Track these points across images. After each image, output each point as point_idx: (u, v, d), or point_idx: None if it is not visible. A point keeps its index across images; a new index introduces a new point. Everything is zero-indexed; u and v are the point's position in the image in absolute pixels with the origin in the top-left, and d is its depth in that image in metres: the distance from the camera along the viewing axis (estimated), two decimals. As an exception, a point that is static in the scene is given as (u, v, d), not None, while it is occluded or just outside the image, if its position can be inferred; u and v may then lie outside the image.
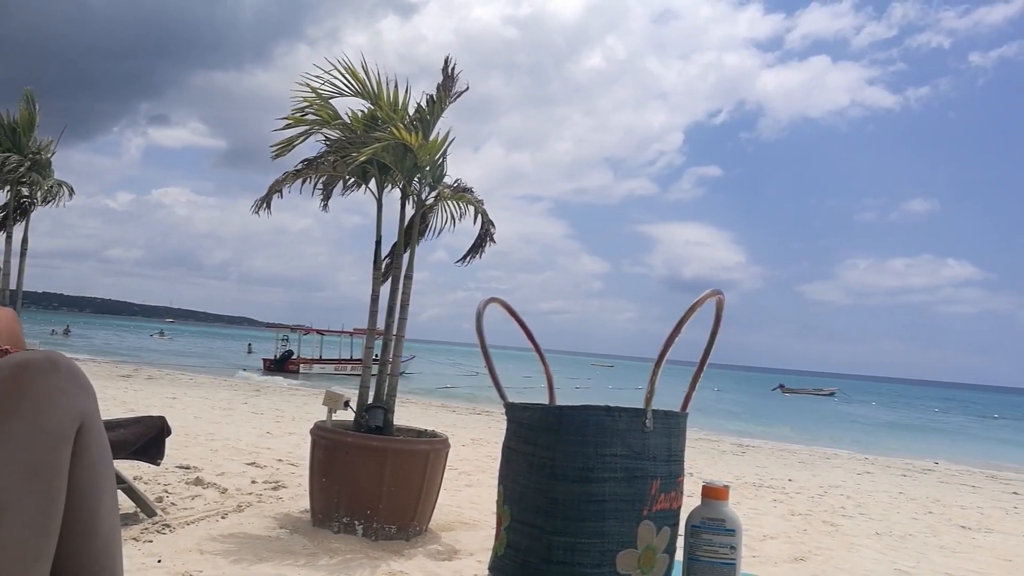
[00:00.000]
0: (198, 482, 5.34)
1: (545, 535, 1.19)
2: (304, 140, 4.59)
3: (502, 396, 1.39)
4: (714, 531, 1.31)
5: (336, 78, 4.67)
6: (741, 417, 27.84)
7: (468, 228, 5.21)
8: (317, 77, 4.64)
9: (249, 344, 52.63)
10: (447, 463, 4.68)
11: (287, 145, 4.52)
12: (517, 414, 1.30)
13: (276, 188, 4.89)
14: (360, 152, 4.12)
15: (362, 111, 4.69)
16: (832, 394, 59.49)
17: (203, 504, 4.75)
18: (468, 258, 5.10)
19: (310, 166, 4.77)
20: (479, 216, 4.96)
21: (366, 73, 4.70)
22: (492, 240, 4.99)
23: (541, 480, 1.21)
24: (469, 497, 5.97)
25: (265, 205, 4.93)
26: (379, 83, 4.76)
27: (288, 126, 4.70)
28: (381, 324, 4.76)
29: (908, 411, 46.87)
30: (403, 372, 34.80)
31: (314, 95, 4.59)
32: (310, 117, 4.67)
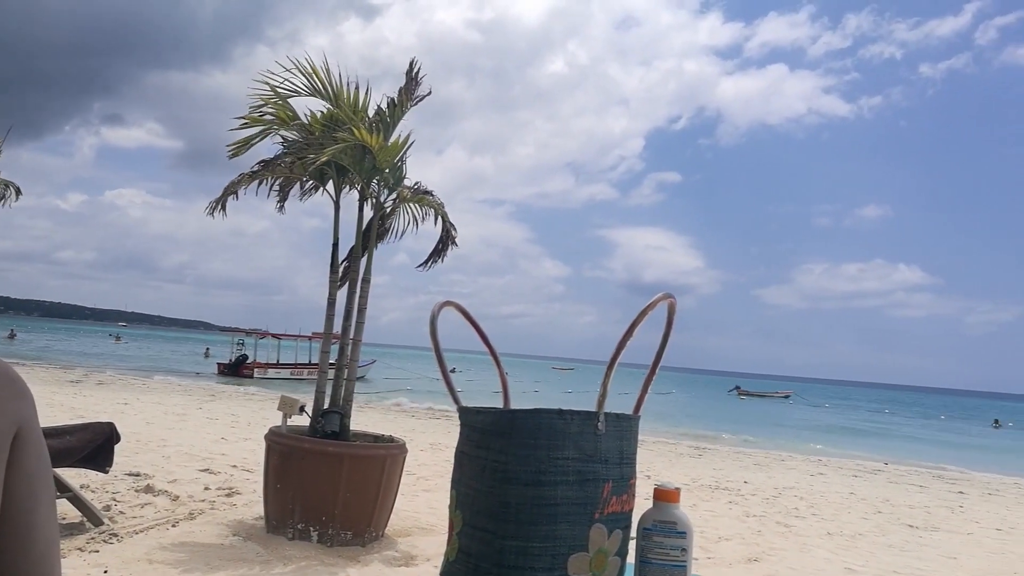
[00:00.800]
0: (148, 490, 5.22)
1: (497, 539, 1.18)
2: (262, 140, 4.53)
3: (455, 400, 1.37)
4: (666, 534, 1.32)
5: (295, 77, 4.62)
6: (698, 420, 28.16)
7: (430, 231, 5.19)
8: (276, 76, 4.58)
9: (207, 348, 51.69)
10: (404, 468, 4.65)
11: (244, 144, 4.45)
12: (470, 418, 1.29)
13: (231, 190, 4.81)
14: (322, 152, 4.07)
15: (321, 112, 4.64)
16: (787, 397, 60.55)
17: (153, 512, 4.64)
18: (430, 262, 5.08)
19: (266, 167, 4.71)
20: (440, 219, 4.94)
21: (327, 74, 4.66)
22: (454, 243, 4.98)
23: (493, 484, 1.20)
24: (427, 502, 5.93)
25: (220, 207, 4.84)
26: (339, 84, 4.71)
27: (245, 125, 4.63)
28: (338, 328, 4.71)
29: (860, 413, 47.89)
30: (363, 377, 34.19)
31: (272, 93, 4.52)
32: (268, 117, 4.60)
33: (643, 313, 1.31)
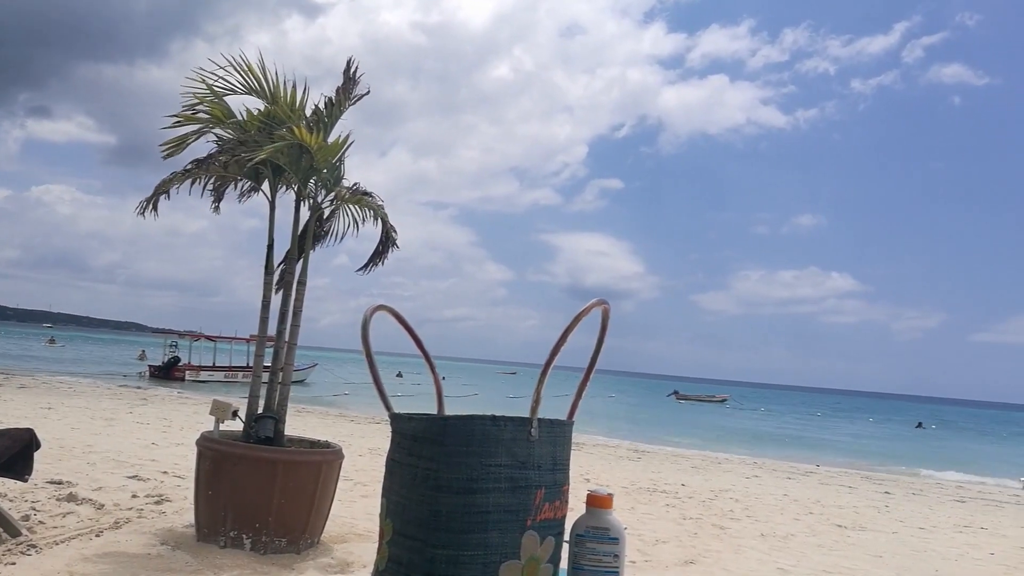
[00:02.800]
0: (71, 498, 5.01)
1: (427, 548, 1.16)
2: (197, 139, 4.40)
3: (387, 407, 1.35)
4: (598, 540, 1.32)
5: (231, 74, 4.51)
6: (637, 423, 28.53)
7: (370, 233, 5.13)
8: (211, 73, 4.46)
9: (142, 351, 49.96)
10: (342, 473, 4.58)
11: (179, 143, 4.32)
12: (401, 425, 1.27)
13: (163, 189, 4.66)
14: (260, 151, 3.98)
15: (258, 110, 4.54)
16: (724, 401, 61.90)
17: (76, 522, 4.46)
18: (370, 265, 5.01)
19: (200, 166, 4.58)
20: (380, 221, 4.88)
21: (263, 71, 4.56)
22: (395, 246, 4.92)
23: (424, 492, 1.18)
24: (364, 508, 5.85)
25: (151, 207, 4.69)
26: (277, 82, 4.62)
27: (178, 123, 4.49)
28: (273, 331, 4.61)
29: (793, 416, 49.21)
30: (302, 381, 33.63)
31: (207, 91, 4.40)
32: (202, 115, 4.48)
33: (576, 319, 1.31)
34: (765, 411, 53.72)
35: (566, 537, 1.32)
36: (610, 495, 1.35)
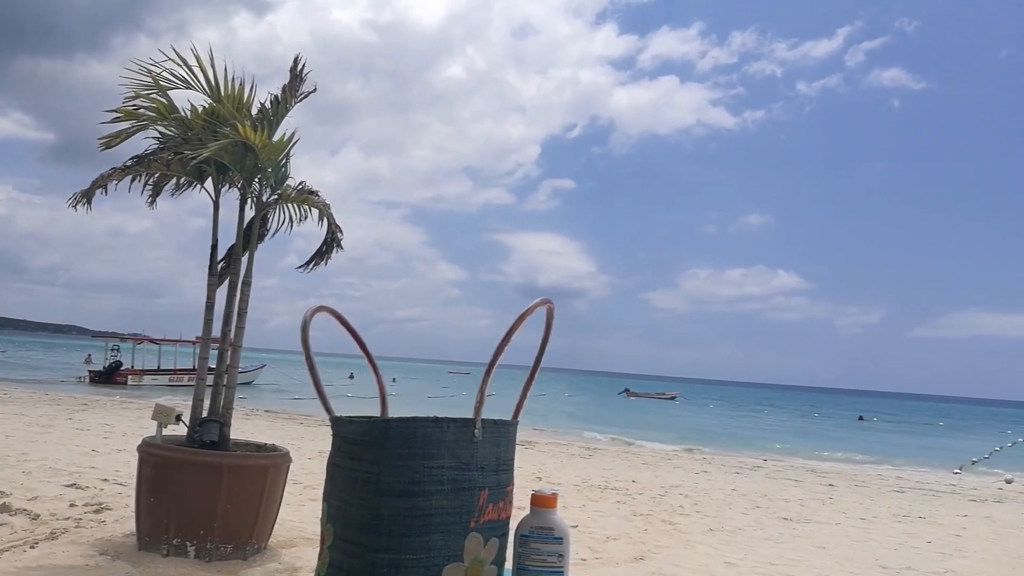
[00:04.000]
0: (4, 509, 4.83)
1: (369, 553, 1.14)
2: (137, 133, 4.28)
3: (328, 410, 1.32)
4: (543, 540, 1.31)
5: (174, 69, 4.39)
6: (589, 420, 28.76)
7: (318, 233, 5.05)
8: (153, 67, 4.34)
9: (88, 355, 48.34)
10: (291, 477, 4.50)
11: (117, 138, 4.19)
12: (342, 428, 1.25)
13: (100, 183, 4.52)
14: (204, 148, 3.88)
15: (202, 107, 4.44)
16: (674, 398, 62.75)
17: (9, 533, 4.29)
18: (313, 263, 4.93)
19: (140, 163, 4.45)
20: (325, 220, 4.81)
21: (208, 67, 4.45)
22: (339, 246, 4.86)
23: (365, 496, 1.16)
24: (314, 511, 5.76)
25: (86, 200, 4.54)
26: (221, 79, 4.52)
27: (118, 119, 4.36)
28: (218, 333, 4.51)
29: (742, 412, 50.16)
30: (250, 383, 32.98)
31: (146, 84, 4.28)
32: (143, 111, 4.36)
33: (520, 319, 1.31)
34: (714, 407, 54.64)
35: (511, 538, 1.32)
36: (554, 495, 1.34)
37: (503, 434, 1.30)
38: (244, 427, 13.77)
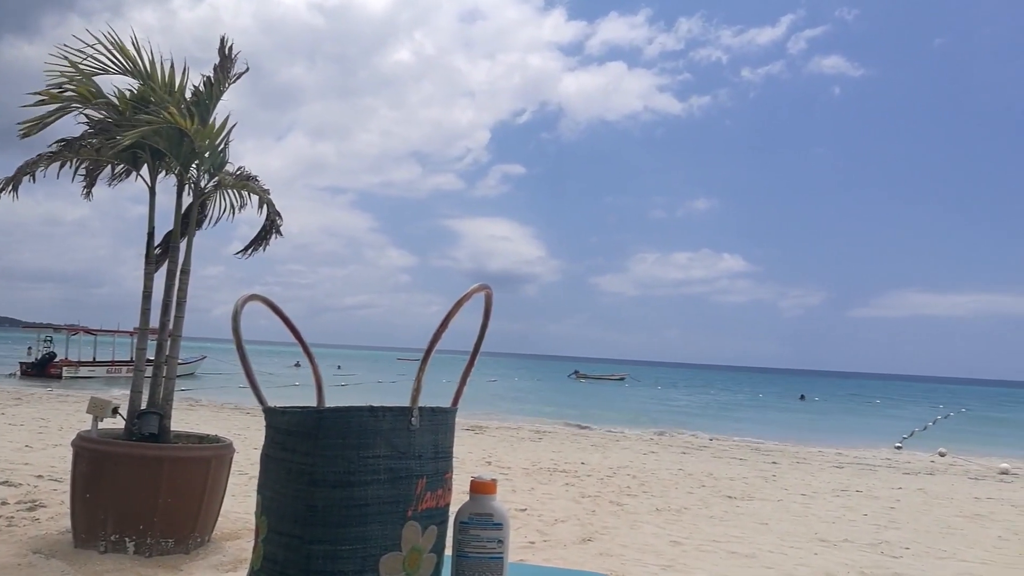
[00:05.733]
0: (-68, 508, 4.65)
1: (304, 544, 1.12)
2: (59, 118, 4.11)
3: (260, 400, 1.30)
4: (482, 526, 1.31)
5: (101, 53, 4.23)
6: (539, 404, 28.97)
7: (258, 220, 4.94)
8: (80, 51, 4.17)
9: (29, 348, 46.48)
10: (236, 468, 4.43)
11: (37, 123, 4.02)
12: (275, 419, 1.22)
13: (27, 170, 4.35)
14: (125, 135, 3.75)
15: (130, 91, 4.29)
16: (623, 379, 63.64)
17: (-63, 533, 4.13)
18: (250, 250, 4.84)
19: (69, 148, 4.29)
20: (264, 206, 4.71)
21: (137, 50, 4.30)
22: (278, 232, 4.77)
23: (299, 487, 1.14)
24: (259, 502, 5.69)
25: (11, 188, 4.36)
26: (152, 62, 4.37)
27: (42, 102, 4.18)
28: (157, 322, 4.39)
29: (688, 393, 51.09)
30: (191, 374, 32.24)
31: (73, 70, 4.12)
32: (69, 94, 4.19)
33: (457, 305, 1.30)
34: (661, 388, 55.53)
35: (450, 525, 1.31)
36: (493, 481, 1.34)
37: (441, 422, 1.29)
38: (189, 418, 13.49)
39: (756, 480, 9.85)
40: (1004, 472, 12.89)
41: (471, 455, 10.41)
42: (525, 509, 6.38)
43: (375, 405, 1.19)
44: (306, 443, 1.15)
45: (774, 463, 12.72)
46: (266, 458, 1.23)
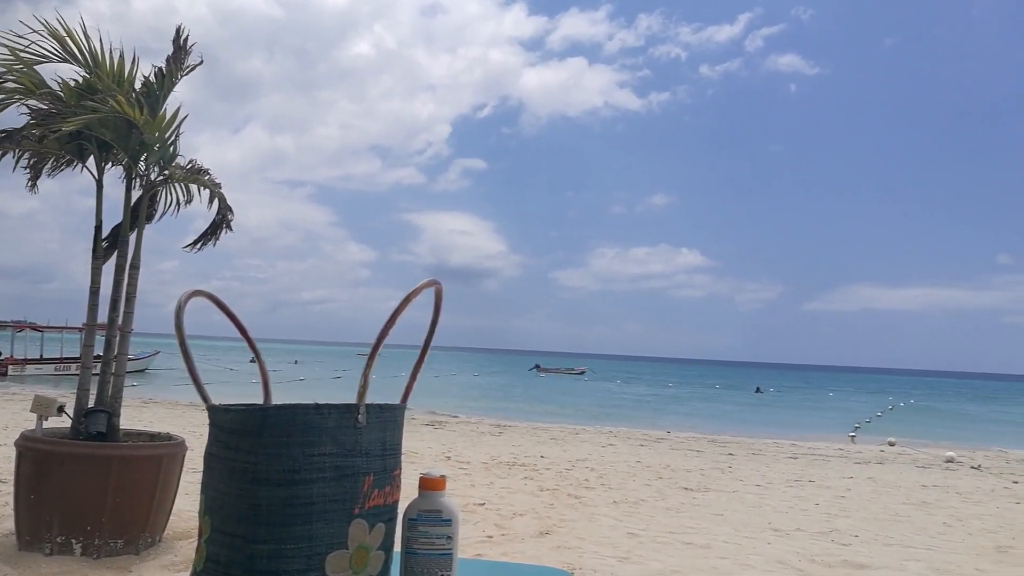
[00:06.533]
0: None
1: (248, 544, 1.11)
2: (2, 111, 3.98)
3: (204, 398, 1.28)
4: (431, 523, 1.31)
5: (46, 40, 4.10)
6: (500, 398, 29.03)
7: (209, 214, 4.85)
8: (23, 37, 4.04)
9: None
10: (190, 466, 4.35)
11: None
12: (218, 417, 1.20)
13: (-34, 163, 4.20)
14: (66, 122, 3.65)
15: (75, 80, 4.17)
16: (583, 373, 64.12)
17: None
18: (201, 244, 4.74)
19: (9, 139, 4.15)
20: (215, 200, 4.63)
21: (86, 38, 4.18)
22: (229, 227, 4.69)
23: (243, 486, 1.13)
24: (213, 501, 5.60)
25: (-49, 183, 4.22)
26: (101, 50, 4.25)
27: (-21, 92, 4.04)
28: (105, 318, 4.29)
29: (647, 386, 51.63)
30: (144, 370, 31.56)
31: (13, 58, 3.99)
32: (9, 85, 4.05)
33: (406, 301, 1.29)
34: (621, 382, 56.03)
35: (399, 522, 1.31)
36: (443, 477, 1.34)
37: (389, 419, 1.29)
38: (142, 416, 13.23)
39: (712, 472, 10.00)
40: (949, 460, 13.29)
41: (430, 450, 10.38)
42: (483, 503, 6.38)
43: (320, 402, 1.18)
44: (250, 441, 1.13)
45: (730, 455, 12.92)
46: (210, 457, 1.21)
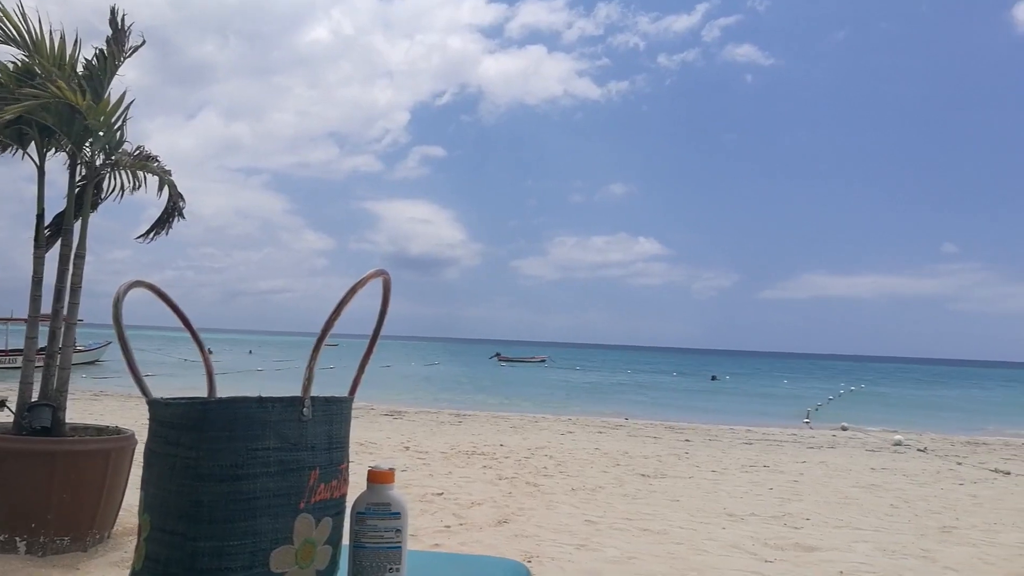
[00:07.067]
0: None
1: (188, 542, 1.08)
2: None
3: (144, 392, 1.24)
4: (380, 516, 1.29)
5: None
6: (460, 387, 29.02)
7: (162, 201, 4.73)
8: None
9: None
10: (138, 460, 4.25)
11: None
12: (158, 411, 1.17)
13: (-101, 149, 4.03)
14: (7, 109, 3.52)
15: (14, 63, 4.02)
16: (543, 361, 64.44)
17: None
18: (152, 234, 4.63)
19: (-55, 124, 3.99)
20: (165, 187, 4.52)
21: (21, 19, 4.03)
22: (181, 215, 4.58)
23: (184, 482, 1.10)
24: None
25: None
26: (40, 32, 4.11)
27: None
28: (49, 309, 4.16)
29: (606, 373, 52.08)
30: (96, 361, 30.88)
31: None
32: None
33: (352, 291, 1.27)
34: (581, 369, 56.42)
35: (347, 516, 1.29)
36: (391, 470, 1.32)
37: (336, 411, 1.26)
38: (92, 409, 12.93)
39: (669, 458, 10.13)
40: (898, 443, 13.67)
41: (389, 440, 10.33)
42: (442, 493, 6.38)
43: (264, 396, 1.15)
44: (191, 436, 1.10)
45: (687, 441, 13.10)
46: (149, 453, 1.17)
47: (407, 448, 9.52)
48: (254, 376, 28.48)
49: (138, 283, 1.32)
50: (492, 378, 38.61)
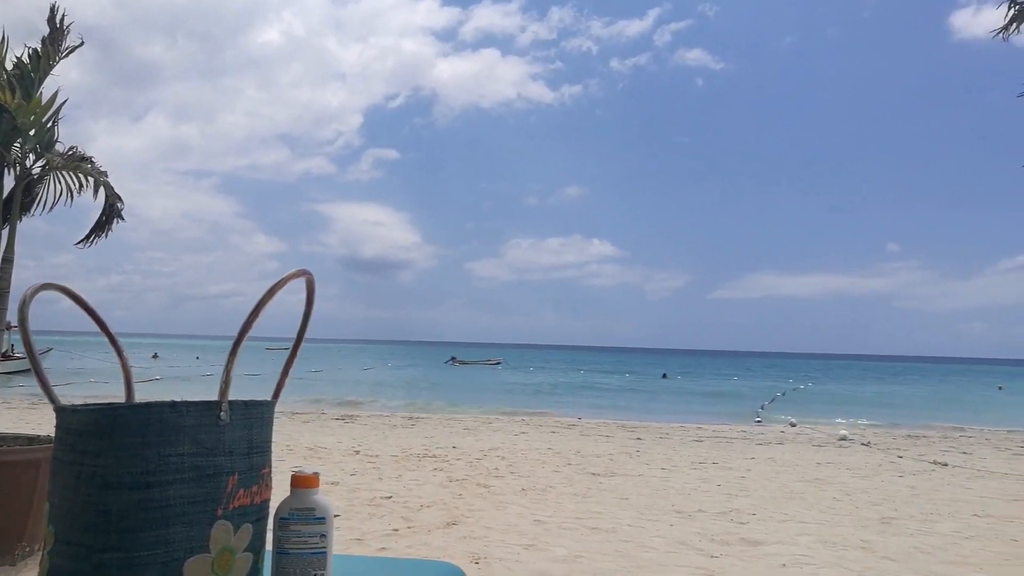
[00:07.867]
0: None
1: (95, 554, 1.04)
2: None
3: (52, 399, 1.20)
4: (304, 521, 1.27)
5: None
6: (414, 390, 28.84)
7: (98, 205, 4.59)
8: None
9: None
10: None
11: None
12: (65, 419, 1.13)
13: None
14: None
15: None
16: (498, 363, 64.44)
17: None
18: (92, 238, 4.49)
19: None
20: (101, 190, 4.38)
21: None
22: (120, 217, 4.45)
23: (90, 492, 1.06)
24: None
25: None
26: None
27: None
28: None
29: (560, 374, 52.27)
30: (30, 370, 30.03)
31: None
32: None
33: (271, 292, 1.25)
34: (535, 370, 56.55)
35: (269, 522, 1.26)
36: (315, 474, 1.30)
37: (256, 415, 1.24)
38: (30, 418, 12.49)
39: (620, 456, 10.21)
40: (843, 438, 14.00)
41: (340, 444, 10.20)
42: (391, 496, 6.32)
43: (178, 400, 1.12)
44: (98, 443, 1.07)
45: (639, 439, 13.22)
46: (55, 462, 1.13)
47: (357, 452, 9.41)
48: (204, 381, 27.87)
49: (47, 286, 1.27)
50: (447, 381, 38.45)
